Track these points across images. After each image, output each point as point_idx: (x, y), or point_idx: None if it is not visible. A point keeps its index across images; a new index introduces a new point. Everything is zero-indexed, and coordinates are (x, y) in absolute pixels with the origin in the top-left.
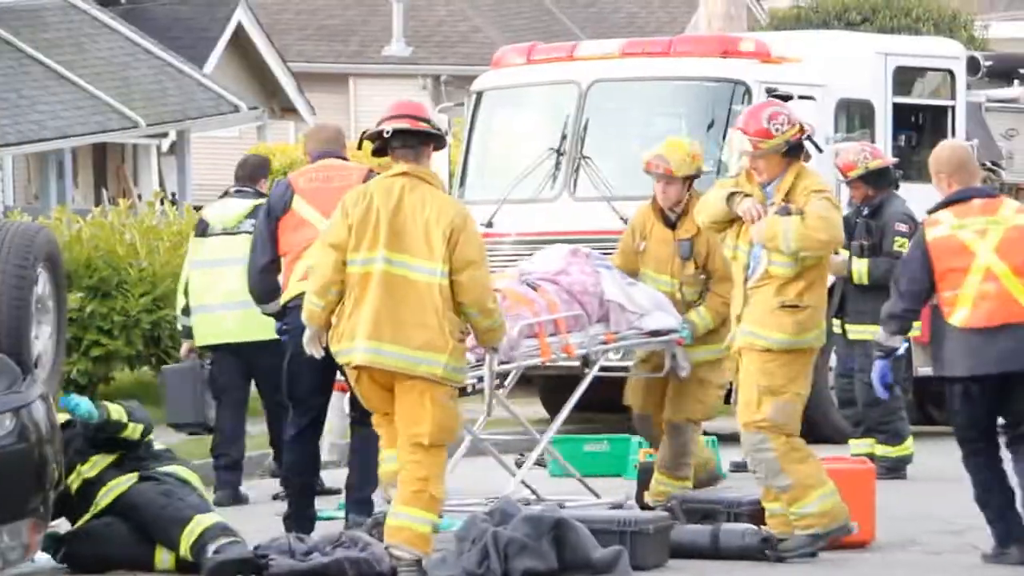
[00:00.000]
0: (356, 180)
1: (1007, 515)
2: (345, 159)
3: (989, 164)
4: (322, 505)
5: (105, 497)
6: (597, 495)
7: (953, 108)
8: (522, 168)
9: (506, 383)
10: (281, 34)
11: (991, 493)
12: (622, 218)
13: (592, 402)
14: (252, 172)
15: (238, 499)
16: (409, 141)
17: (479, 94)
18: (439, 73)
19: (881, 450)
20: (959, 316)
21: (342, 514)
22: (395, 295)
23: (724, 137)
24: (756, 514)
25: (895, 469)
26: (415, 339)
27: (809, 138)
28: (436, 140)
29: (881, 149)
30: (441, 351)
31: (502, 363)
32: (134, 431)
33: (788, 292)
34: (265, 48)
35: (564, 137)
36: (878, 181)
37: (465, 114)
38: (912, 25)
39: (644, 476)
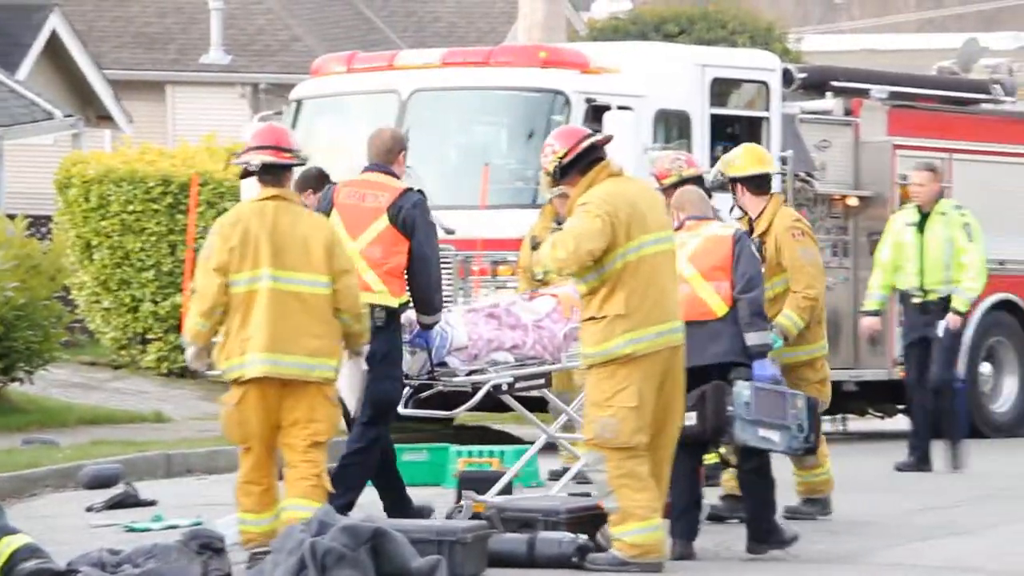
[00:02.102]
0: (385, 203)
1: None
2: (392, 173)
3: (803, 175)
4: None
5: None
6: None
7: (768, 119)
8: (342, 178)
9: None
10: (97, 41)
11: None
12: (445, 228)
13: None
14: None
15: None
16: (274, 170)
17: (298, 103)
18: (258, 81)
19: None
20: None
21: (158, 525)
22: (285, 309)
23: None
24: (573, 523)
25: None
26: (308, 347)
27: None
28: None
29: (697, 159)
30: (332, 356)
31: (544, 364)
32: None
33: (591, 305)
34: (80, 55)
35: None
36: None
37: (284, 123)
38: (728, 37)
39: (463, 485)
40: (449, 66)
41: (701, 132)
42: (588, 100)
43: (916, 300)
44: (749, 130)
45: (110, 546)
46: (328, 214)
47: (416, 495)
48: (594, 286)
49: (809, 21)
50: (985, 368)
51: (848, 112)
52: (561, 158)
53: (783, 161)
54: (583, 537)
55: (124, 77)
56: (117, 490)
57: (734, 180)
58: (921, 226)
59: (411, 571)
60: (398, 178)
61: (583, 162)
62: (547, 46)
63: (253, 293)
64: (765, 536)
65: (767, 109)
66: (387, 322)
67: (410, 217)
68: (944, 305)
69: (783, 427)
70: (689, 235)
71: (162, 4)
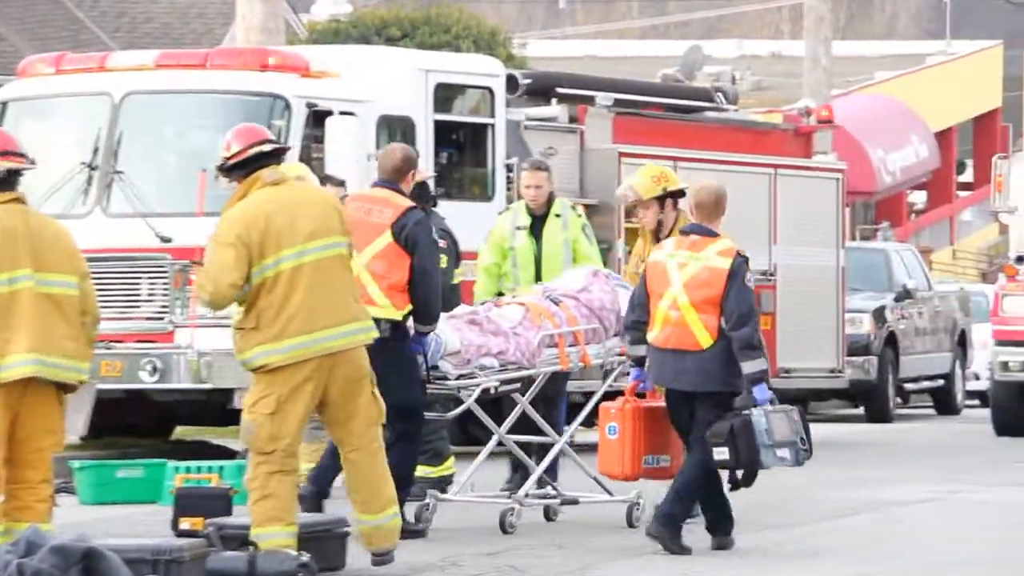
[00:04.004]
0: (389, 219)
1: (717, 502)
2: (399, 190)
3: None
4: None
5: None
6: (610, 493)
7: (493, 126)
8: (51, 183)
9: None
10: None
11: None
12: (160, 236)
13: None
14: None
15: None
16: (15, 175)
17: (4, 105)
18: None
19: (422, 470)
20: (651, 334)
21: None
22: (45, 310)
23: None
24: (299, 540)
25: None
26: (67, 349)
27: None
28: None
29: (421, 165)
30: (85, 359)
31: (522, 369)
32: None
33: (239, 316)
34: None
35: (96, 151)
36: (417, 197)
37: None
38: (452, 42)
39: (181, 502)
40: (164, 68)
41: (425, 138)
42: (309, 105)
43: None
44: (474, 137)
45: None
46: None
47: (133, 513)
48: (242, 299)
49: (533, 26)
50: None
51: (573, 119)
52: (228, 157)
53: (508, 168)
54: (306, 555)
55: None
56: None
57: (672, 195)
58: (534, 229)
59: None
60: (405, 195)
61: (246, 168)
62: (266, 49)
63: (16, 294)
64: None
65: (492, 115)
66: (392, 334)
67: (412, 234)
68: None
69: (792, 443)
70: (690, 257)
71: None
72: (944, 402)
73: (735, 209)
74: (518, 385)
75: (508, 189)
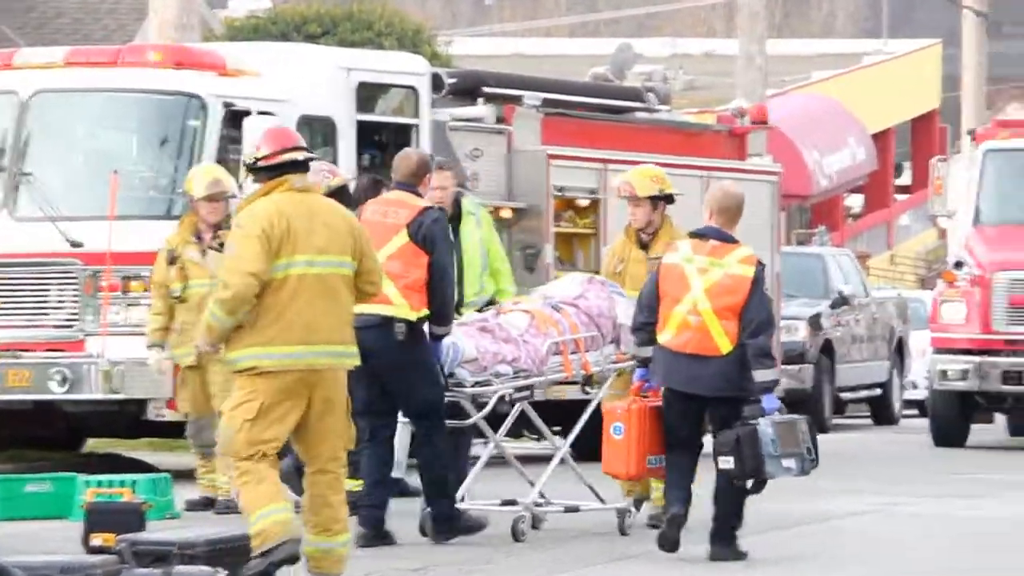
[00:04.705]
0: (405, 219)
1: (679, 493)
2: (416, 192)
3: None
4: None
5: None
6: (603, 500)
7: (417, 127)
8: None
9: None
10: None
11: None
12: (70, 240)
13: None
14: (366, 193)
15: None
16: None
17: None
18: None
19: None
20: (664, 336)
21: None
22: None
23: (182, 154)
24: (212, 555)
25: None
26: None
27: None
28: None
29: (343, 168)
30: None
31: (532, 377)
32: None
33: None
34: None
35: (2, 151)
36: (340, 200)
37: None
38: (375, 39)
39: (92, 517)
40: (74, 66)
41: (347, 139)
42: (226, 104)
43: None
44: (397, 138)
45: None
46: None
47: (42, 529)
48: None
49: (458, 23)
50: None
51: (500, 120)
52: (258, 158)
53: None
54: (222, 572)
55: None
56: None
57: (667, 197)
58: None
59: None
60: (421, 197)
61: (273, 172)
62: (181, 46)
63: None
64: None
65: (416, 116)
66: (408, 336)
67: (430, 233)
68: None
69: (798, 454)
70: (711, 263)
71: None
72: (881, 412)
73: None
74: (529, 393)
75: None
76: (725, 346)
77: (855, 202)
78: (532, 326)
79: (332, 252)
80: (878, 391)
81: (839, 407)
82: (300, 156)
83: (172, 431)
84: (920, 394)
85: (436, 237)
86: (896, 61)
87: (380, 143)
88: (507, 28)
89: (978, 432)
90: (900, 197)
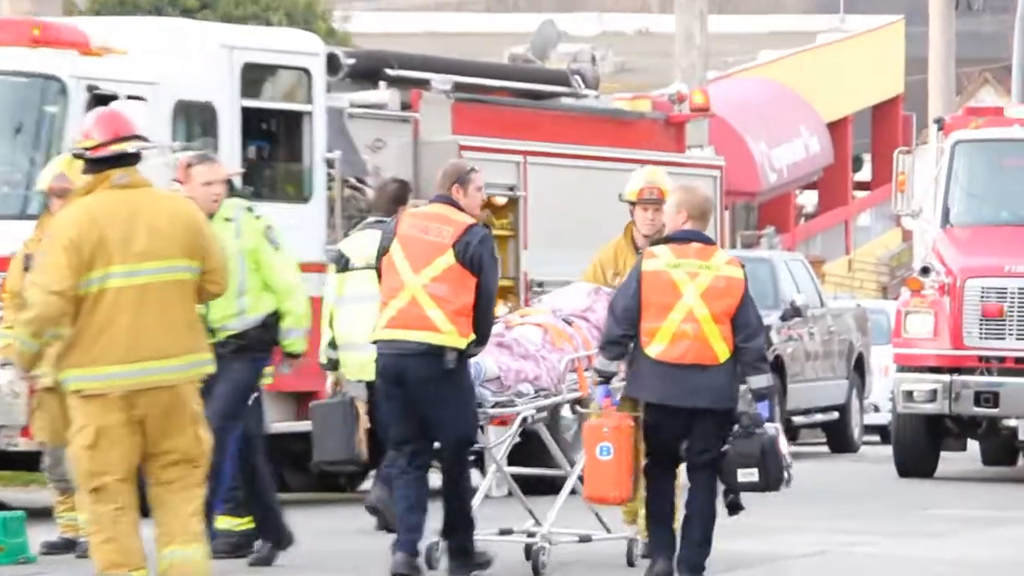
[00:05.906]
0: (449, 239)
1: (662, 528)
2: (457, 206)
3: (353, 181)
4: None
5: None
6: (608, 529)
7: (311, 114)
8: None
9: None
10: None
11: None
12: None
13: None
14: (392, 198)
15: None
16: None
17: None
18: None
19: (227, 522)
20: (655, 348)
21: None
22: None
23: (39, 144)
24: None
25: (240, 546)
26: None
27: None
28: None
29: (226, 159)
30: None
31: (551, 396)
32: None
33: None
34: None
35: None
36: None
37: None
38: (261, 14)
39: None
40: None
41: (230, 128)
42: (90, 88)
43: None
44: (288, 127)
45: None
46: (386, 246)
47: None
48: None
49: None
50: None
51: (406, 106)
52: (87, 148)
53: (329, 164)
54: None
55: None
56: None
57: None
58: None
59: None
60: (463, 210)
61: (104, 165)
62: (37, 20)
63: None
64: None
65: (309, 101)
66: (458, 365)
67: (477, 254)
68: (237, 347)
69: (789, 465)
70: (700, 266)
71: None
72: (839, 438)
73: (594, 211)
74: (547, 414)
75: (328, 188)
76: (723, 353)
77: (808, 200)
78: (547, 341)
79: (157, 257)
80: (835, 415)
81: (791, 433)
82: (131, 147)
83: (26, 463)
84: (882, 418)
85: (484, 258)
86: (854, 40)
87: (268, 132)
88: (415, 2)
89: (948, 461)
90: (859, 194)
